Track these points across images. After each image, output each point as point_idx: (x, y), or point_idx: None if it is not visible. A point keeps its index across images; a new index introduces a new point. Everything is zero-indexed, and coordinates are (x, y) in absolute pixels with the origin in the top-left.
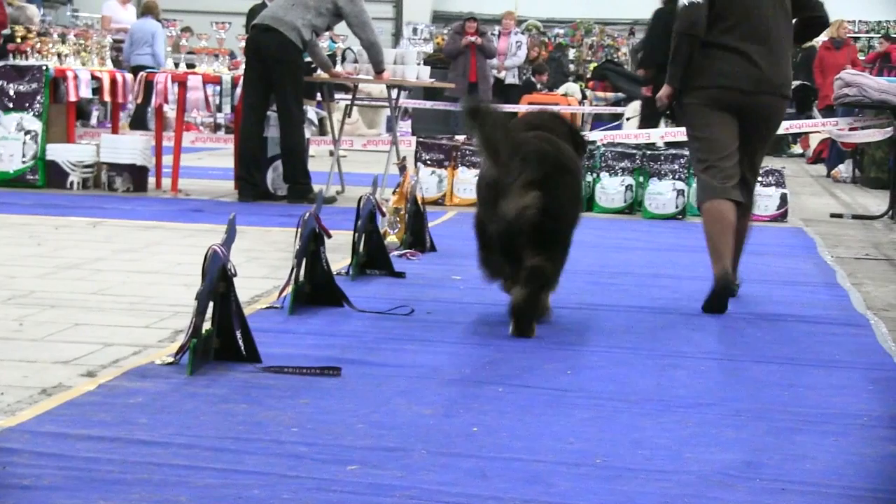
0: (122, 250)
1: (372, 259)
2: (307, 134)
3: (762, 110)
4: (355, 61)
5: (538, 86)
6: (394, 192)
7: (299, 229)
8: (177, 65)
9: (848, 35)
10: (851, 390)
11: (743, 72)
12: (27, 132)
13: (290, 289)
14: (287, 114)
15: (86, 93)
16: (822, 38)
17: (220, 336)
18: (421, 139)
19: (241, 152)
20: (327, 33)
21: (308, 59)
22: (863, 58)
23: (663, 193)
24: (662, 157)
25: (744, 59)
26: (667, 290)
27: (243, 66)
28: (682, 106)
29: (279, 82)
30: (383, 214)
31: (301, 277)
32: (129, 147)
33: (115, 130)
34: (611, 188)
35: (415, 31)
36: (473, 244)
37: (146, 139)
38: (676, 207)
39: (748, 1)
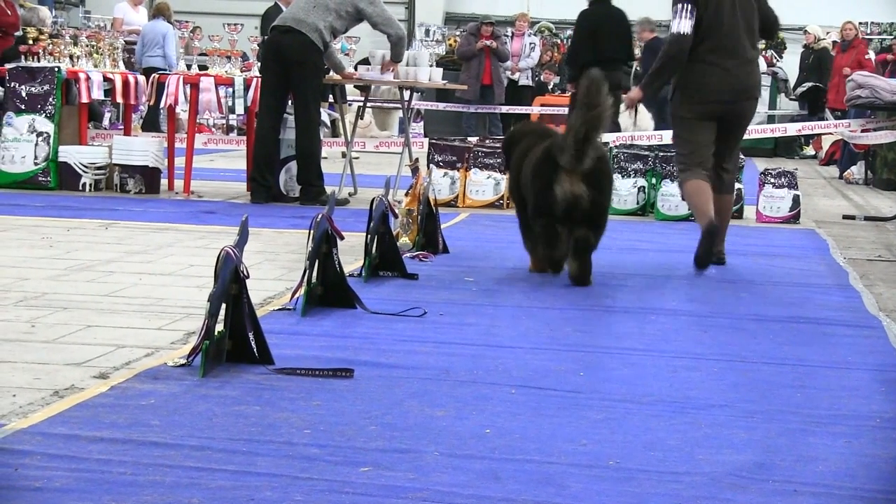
0: (134, 252)
1: (384, 261)
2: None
3: (740, 113)
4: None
5: (549, 85)
6: (406, 194)
7: (312, 231)
8: (189, 66)
9: (855, 37)
10: (863, 392)
11: (724, 85)
12: (39, 134)
13: (302, 290)
14: (305, 115)
15: (98, 94)
16: (835, 39)
17: (233, 338)
18: (433, 141)
19: (255, 154)
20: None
21: None
22: (875, 58)
23: (676, 195)
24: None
25: (724, 74)
26: (679, 291)
27: (256, 69)
28: (674, 116)
29: (299, 84)
30: (396, 216)
31: (313, 279)
32: (142, 149)
33: (127, 132)
34: (623, 190)
35: (427, 32)
36: (485, 246)
37: (158, 141)
38: (689, 209)
39: (724, 22)
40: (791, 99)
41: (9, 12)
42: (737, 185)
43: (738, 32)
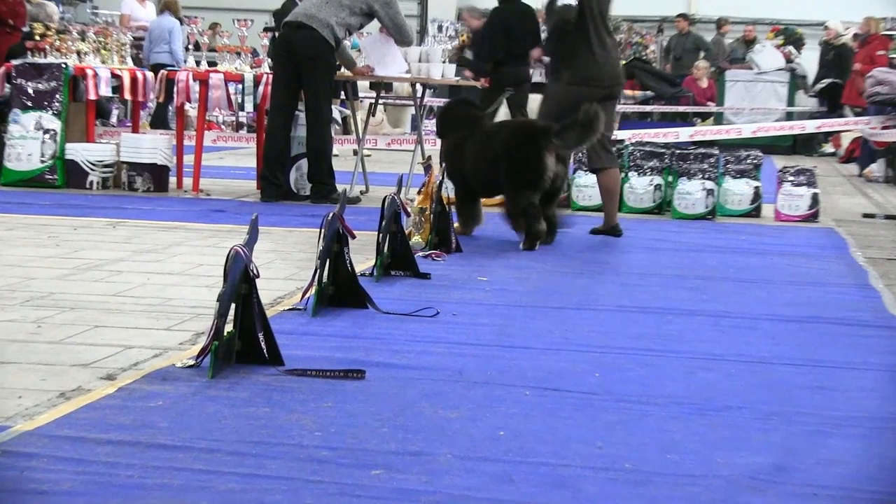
0: (142, 251)
1: (396, 260)
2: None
3: (616, 95)
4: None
5: None
6: (419, 192)
7: (323, 230)
8: (198, 63)
9: (872, 32)
10: (883, 393)
11: (610, 71)
12: (46, 131)
13: (313, 290)
14: (316, 112)
15: (105, 91)
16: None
17: (242, 338)
18: None
19: (266, 152)
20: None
21: None
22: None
23: (692, 193)
24: (691, 157)
25: (610, 63)
26: (695, 291)
27: (266, 65)
28: (572, 92)
29: (310, 80)
30: (408, 214)
31: (324, 279)
32: (150, 146)
33: (135, 129)
34: (639, 188)
35: (440, 28)
36: (498, 245)
37: (167, 138)
38: (706, 207)
39: (603, 12)
40: (810, 95)
41: (16, 8)
42: (754, 183)
43: (606, 22)
